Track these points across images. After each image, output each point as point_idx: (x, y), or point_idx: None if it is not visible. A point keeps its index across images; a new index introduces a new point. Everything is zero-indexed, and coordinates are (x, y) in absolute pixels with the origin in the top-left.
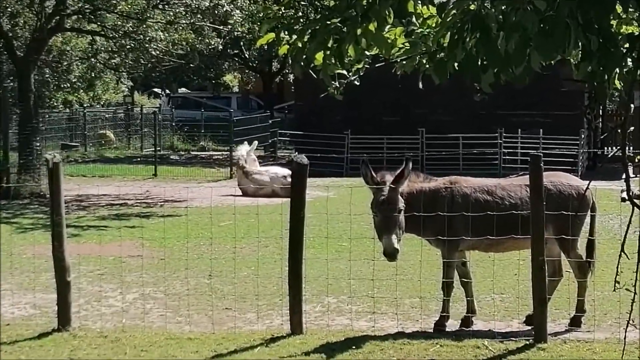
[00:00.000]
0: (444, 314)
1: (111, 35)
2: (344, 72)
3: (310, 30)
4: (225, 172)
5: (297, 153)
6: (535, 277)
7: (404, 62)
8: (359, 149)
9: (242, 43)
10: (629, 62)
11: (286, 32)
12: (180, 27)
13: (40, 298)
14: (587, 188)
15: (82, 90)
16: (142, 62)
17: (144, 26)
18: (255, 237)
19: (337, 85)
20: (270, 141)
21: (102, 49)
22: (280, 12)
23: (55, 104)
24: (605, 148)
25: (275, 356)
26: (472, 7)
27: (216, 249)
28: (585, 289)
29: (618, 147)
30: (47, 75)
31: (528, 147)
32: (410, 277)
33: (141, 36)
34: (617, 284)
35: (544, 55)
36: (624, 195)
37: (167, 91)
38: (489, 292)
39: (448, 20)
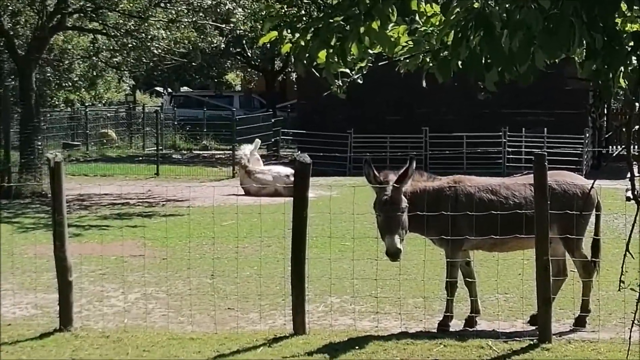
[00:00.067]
0: (448, 313)
1: (113, 33)
2: (347, 70)
3: (313, 29)
4: (228, 171)
5: (299, 152)
6: (539, 276)
7: (407, 60)
8: (362, 148)
9: (244, 41)
10: (634, 60)
11: (289, 31)
12: (182, 26)
13: (42, 298)
14: (592, 187)
15: (83, 89)
16: (144, 60)
17: (146, 24)
18: (258, 236)
19: (340, 83)
20: (272, 140)
21: (104, 47)
22: (283, 10)
23: (57, 102)
24: (610, 147)
25: (278, 356)
26: (476, 5)
27: (218, 248)
28: (590, 289)
29: (623, 146)
30: (48, 74)
31: (532, 146)
32: (414, 276)
33: (143, 35)
34: (622, 284)
35: (548, 53)
36: (629, 194)
37: (169, 90)
38: (493, 292)
39: (452, 18)
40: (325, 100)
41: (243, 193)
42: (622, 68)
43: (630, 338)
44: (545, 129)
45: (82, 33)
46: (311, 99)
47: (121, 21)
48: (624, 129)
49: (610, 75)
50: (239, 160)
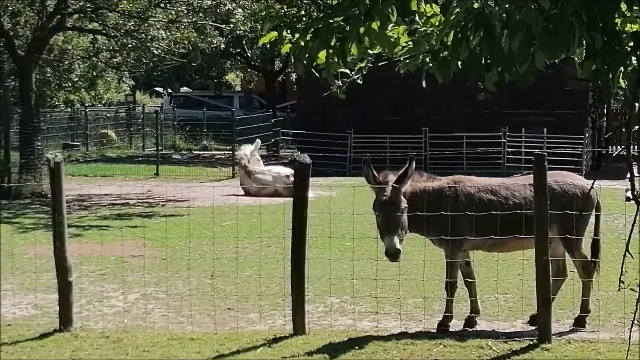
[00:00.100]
0: (448, 314)
1: (113, 34)
2: (347, 71)
3: (312, 29)
4: (228, 171)
5: (299, 152)
6: (539, 277)
7: (407, 60)
8: (362, 148)
9: (244, 42)
10: (634, 60)
11: (289, 31)
12: (182, 26)
13: (42, 298)
14: (592, 187)
15: (83, 90)
16: (144, 61)
17: (146, 25)
18: (258, 237)
19: (340, 84)
20: (272, 140)
21: (104, 47)
22: (283, 11)
23: (57, 103)
24: (610, 147)
25: (277, 356)
26: (476, 5)
27: (218, 248)
28: (589, 289)
29: (622, 146)
30: (48, 75)
31: (532, 147)
32: (414, 277)
33: (143, 35)
34: (621, 284)
35: (548, 53)
36: (629, 194)
37: (169, 90)
38: (492, 292)
39: (451, 18)
40: (325, 101)
41: (243, 193)
42: (621, 68)
43: (630, 338)
44: (545, 129)
45: (82, 33)
46: (311, 99)
47: (121, 21)
48: (623, 129)
49: (610, 76)
50: (239, 161)
